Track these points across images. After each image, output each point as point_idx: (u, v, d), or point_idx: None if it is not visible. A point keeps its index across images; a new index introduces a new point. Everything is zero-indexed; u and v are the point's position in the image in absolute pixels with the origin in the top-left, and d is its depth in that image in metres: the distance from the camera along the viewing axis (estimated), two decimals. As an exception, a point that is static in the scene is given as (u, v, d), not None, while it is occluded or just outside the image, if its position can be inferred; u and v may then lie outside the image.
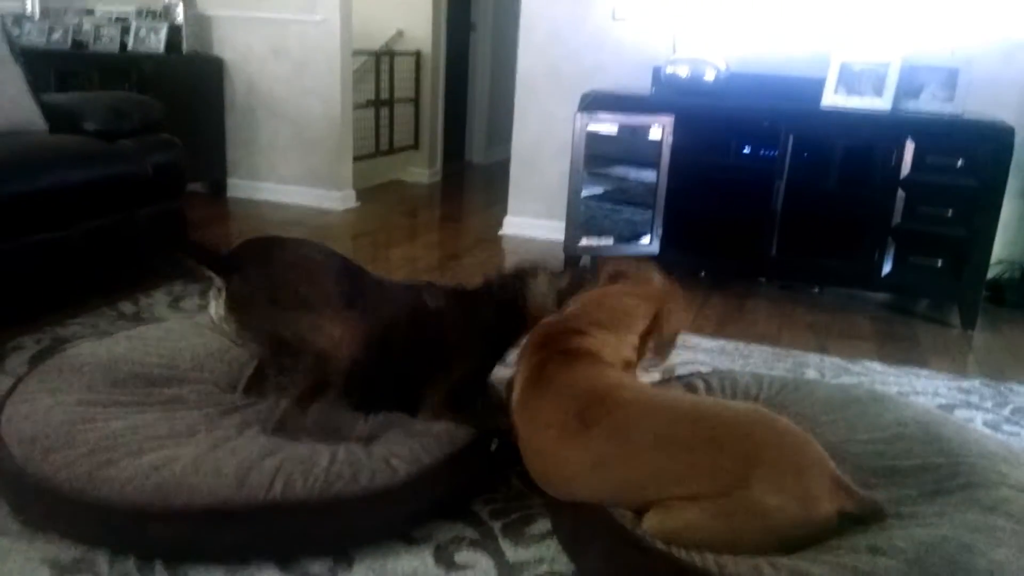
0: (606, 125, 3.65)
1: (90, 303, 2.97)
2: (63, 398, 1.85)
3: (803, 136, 3.44)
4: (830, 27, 3.76)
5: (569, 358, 1.71)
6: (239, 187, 5.16)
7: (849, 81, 3.55)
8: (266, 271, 1.80)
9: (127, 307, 2.98)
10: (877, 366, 2.85)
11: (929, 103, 3.48)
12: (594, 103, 3.65)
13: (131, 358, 2.03)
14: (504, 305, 2.04)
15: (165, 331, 2.27)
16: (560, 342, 1.75)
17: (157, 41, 4.81)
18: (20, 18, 4.98)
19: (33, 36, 4.92)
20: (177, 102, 4.17)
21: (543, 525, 1.73)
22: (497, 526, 1.73)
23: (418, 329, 1.96)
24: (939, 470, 1.66)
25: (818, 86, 3.60)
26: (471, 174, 6.99)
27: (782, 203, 3.49)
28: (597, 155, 3.66)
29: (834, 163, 3.46)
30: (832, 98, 3.56)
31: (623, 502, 1.53)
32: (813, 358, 2.89)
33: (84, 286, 3.05)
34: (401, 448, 1.75)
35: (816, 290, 3.76)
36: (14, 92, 3.15)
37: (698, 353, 2.87)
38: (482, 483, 1.87)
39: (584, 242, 3.76)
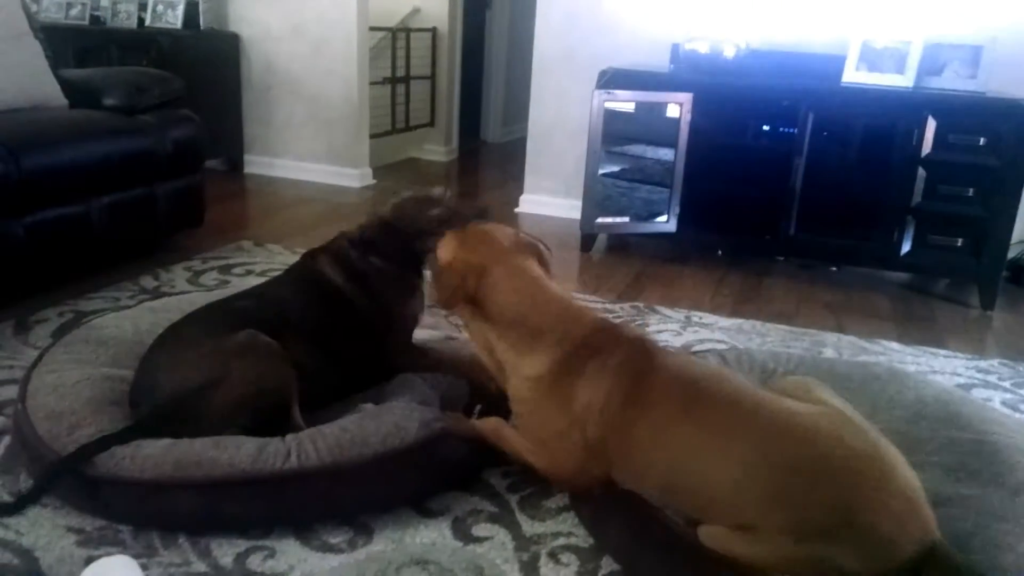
0: (624, 103, 3.63)
1: (111, 277, 2.99)
2: (89, 371, 1.88)
3: (823, 114, 3.41)
4: (852, 3, 3.72)
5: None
6: (256, 164, 5.17)
7: (871, 58, 3.51)
8: None
9: (148, 281, 3.00)
10: (895, 345, 2.84)
11: (952, 81, 3.44)
12: (612, 80, 3.62)
13: (154, 332, 2.05)
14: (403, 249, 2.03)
15: (186, 303, 2.29)
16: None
17: (174, 17, 4.81)
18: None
19: (51, 12, 4.93)
20: (195, 78, 4.16)
21: (560, 499, 1.74)
22: (514, 499, 1.74)
23: (331, 310, 1.98)
24: (961, 450, 1.66)
25: (839, 64, 3.57)
26: (487, 152, 6.97)
27: (801, 181, 3.47)
28: (614, 133, 3.65)
29: (854, 141, 3.44)
30: (853, 75, 3.52)
31: (689, 507, 1.46)
32: (830, 337, 2.88)
33: (105, 260, 3.07)
34: (409, 415, 1.76)
35: (834, 269, 3.74)
36: (34, 68, 3.16)
37: (715, 331, 2.87)
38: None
39: (600, 220, 3.75)
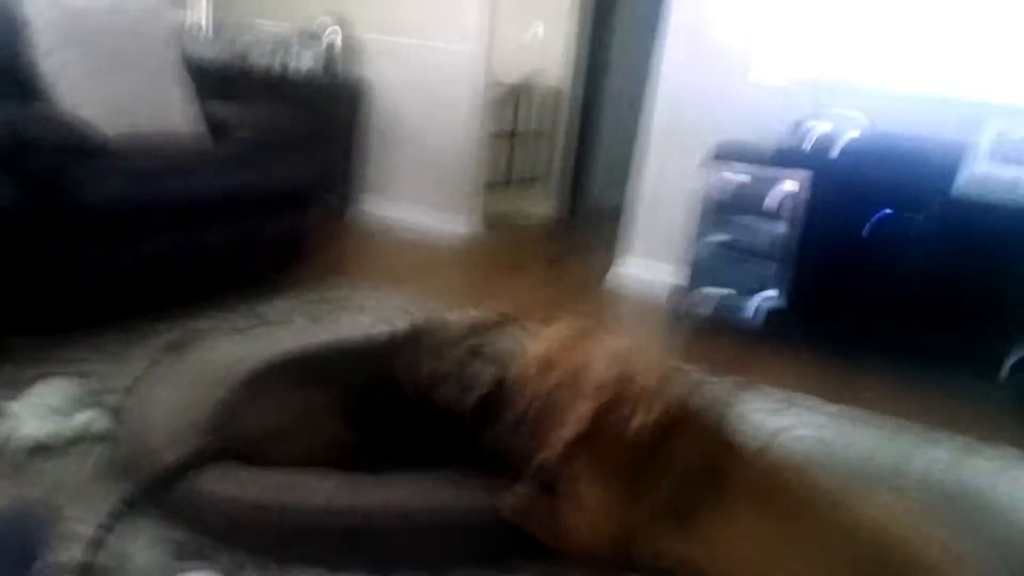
0: (740, 175, 3.58)
1: (224, 301, 3.10)
2: (195, 391, 1.95)
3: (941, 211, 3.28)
4: (987, 85, 3.57)
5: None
6: (371, 204, 5.34)
7: (1006, 152, 3.36)
8: None
9: (259, 308, 3.11)
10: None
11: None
12: (727, 151, 3.59)
13: (257, 356, 2.11)
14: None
15: (293, 332, 2.37)
16: None
17: (310, 60, 5.06)
18: (194, 30, 5.35)
19: (202, 49, 5.26)
20: (322, 119, 4.36)
21: None
22: None
23: None
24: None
25: (968, 152, 3.41)
26: (595, 212, 7.00)
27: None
28: (727, 205, 3.60)
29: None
30: (984, 166, 3.36)
31: None
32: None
33: (221, 285, 3.20)
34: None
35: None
36: (179, 99, 3.37)
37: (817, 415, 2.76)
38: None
39: (706, 291, 3.70)
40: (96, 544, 1.48)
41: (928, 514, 1.70)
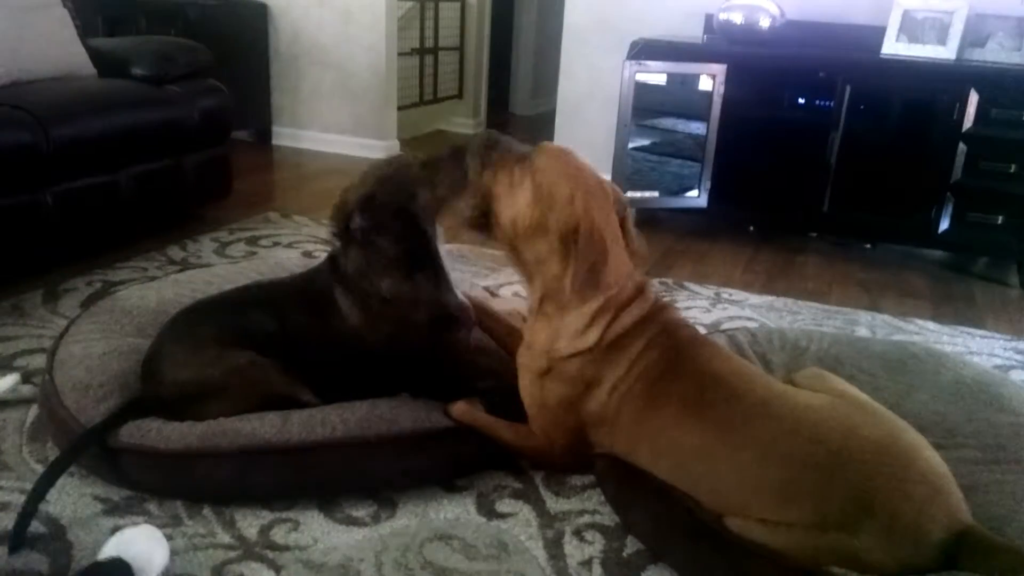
0: (655, 74, 3.56)
1: (139, 248, 3.00)
2: (116, 342, 1.88)
3: (860, 87, 3.31)
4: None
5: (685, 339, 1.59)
6: (283, 135, 5.16)
7: (911, 29, 3.41)
8: None
9: (175, 252, 3.01)
10: (931, 325, 2.77)
11: (996, 53, 3.33)
12: (643, 51, 3.55)
13: (180, 303, 2.04)
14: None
15: (212, 275, 2.29)
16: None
17: (203, -13, 4.78)
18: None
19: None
20: (222, 48, 4.14)
21: (585, 477, 1.71)
22: (539, 476, 1.72)
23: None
24: (1000, 433, 1.61)
25: (878, 35, 3.47)
26: (515, 125, 6.90)
27: (837, 156, 3.39)
28: (645, 106, 3.58)
29: (892, 115, 3.34)
30: (892, 46, 3.43)
31: (710, 502, 1.42)
32: (864, 316, 2.82)
33: (133, 231, 3.08)
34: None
35: (869, 246, 3.66)
36: (63, 37, 3.16)
37: (745, 309, 2.82)
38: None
39: (630, 195, 3.70)
40: (27, 511, 1.43)
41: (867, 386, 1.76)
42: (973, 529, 1.27)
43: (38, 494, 1.46)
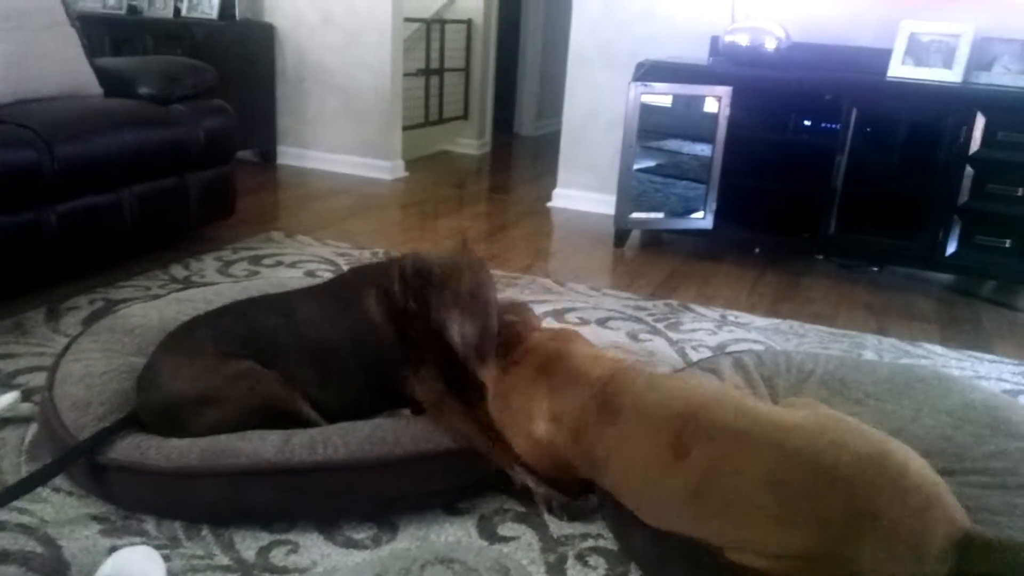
0: (661, 96, 3.56)
1: (142, 266, 3.00)
2: (116, 361, 1.87)
3: (867, 109, 3.31)
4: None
5: (632, 374, 1.57)
6: (288, 155, 5.17)
7: (917, 52, 3.41)
8: None
9: (178, 271, 3.00)
10: (939, 349, 2.75)
11: (1002, 76, 3.33)
12: (649, 73, 3.55)
13: (181, 321, 2.04)
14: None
15: (215, 294, 2.28)
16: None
17: (210, 7, 4.82)
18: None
19: (89, 1, 4.96)
20: (229, 68, 4.17)
21: (589, 501, 1.69)
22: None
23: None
24: (1010, 458, 1.59)
25: (884, 57, 3.47)
26: (520, 146, 6.92)
27: (843, 178, 3.37)
28: (650, 128, 3.58)
29: (899, 137, 3.33)
30: (899, 69, 3.42)
31: (716, 539, 1.37)
32: (871, 339, 2.80)
33: (136, 249, 3.08)
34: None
35: (875, 269, 3.64)
36: (69, 56, 3.17)
37: (751, 331, 2.80)
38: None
39: (635, 216, 3.69)
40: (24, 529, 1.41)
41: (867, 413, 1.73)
42: (972, 532, 1.26)
43: (11, 495, 1.47)
